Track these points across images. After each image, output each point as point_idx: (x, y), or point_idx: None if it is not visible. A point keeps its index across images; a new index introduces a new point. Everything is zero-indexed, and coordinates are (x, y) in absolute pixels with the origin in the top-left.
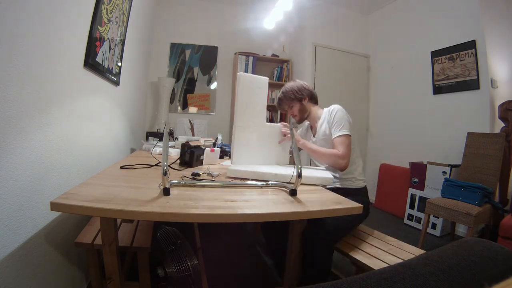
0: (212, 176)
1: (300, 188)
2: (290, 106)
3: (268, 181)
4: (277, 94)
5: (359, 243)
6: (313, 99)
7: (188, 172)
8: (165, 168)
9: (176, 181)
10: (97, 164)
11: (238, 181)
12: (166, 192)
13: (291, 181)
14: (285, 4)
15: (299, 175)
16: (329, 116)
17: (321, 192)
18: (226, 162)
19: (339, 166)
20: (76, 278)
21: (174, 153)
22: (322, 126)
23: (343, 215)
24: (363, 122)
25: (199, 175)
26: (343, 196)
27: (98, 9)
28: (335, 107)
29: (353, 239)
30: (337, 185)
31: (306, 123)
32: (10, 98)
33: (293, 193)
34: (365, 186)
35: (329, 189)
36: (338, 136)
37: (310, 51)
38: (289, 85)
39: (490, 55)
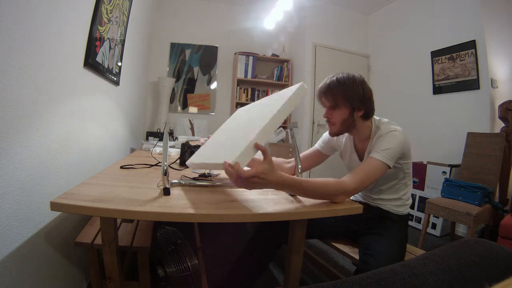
0: (212, 176)
1: None
2: (334, 106)
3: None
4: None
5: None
6: (369, 115)
7: (188, 172)
8: (165, 168)
9: (176, 180)
10: (97, 164)
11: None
12: (166, 192)
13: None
14: (285, 4)
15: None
16: (379, 142)
17: None
18: None
19: (336, 198)
20: (76, 278)
21: (174, 153)
22: (370, 147)
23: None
24: None
25: (202, 175)
26: (381, 220)
27: (98, 9)
28: (390, 133)
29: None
30: (379, 204)
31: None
32: (10, 98)
33: None
34: (408, 213)
35: (366, 208)
36: (373, 158)
37: (310, 51)
38: (352, 79)
39: (490, 55)
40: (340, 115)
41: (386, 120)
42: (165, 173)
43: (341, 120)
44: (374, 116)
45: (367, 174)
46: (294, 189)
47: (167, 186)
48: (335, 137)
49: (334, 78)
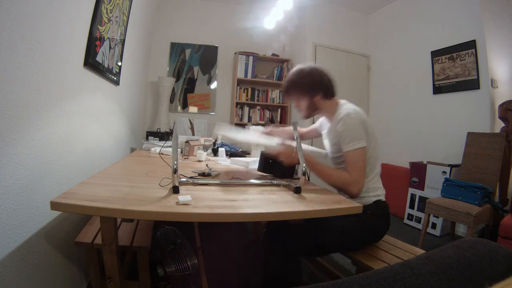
0: (211, 176)
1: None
2: (297, 99)
3: (273, 180)
4: (277, 92)
5: None
6: (329, 94)
7: (187, 172)
8: (175, 166)
9: (184, 179)
10: (97, 163)
11: (241, 180)
12: (175, 190)
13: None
14: (285, 3)
15: (304, 173)
16: (338, 126)
17: (321, 191)
18: (225, 161)
19: (349, 194)
20: (76, 278)
21: None
22: (332, 129)
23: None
24: None
25: (202, 174)
26: (352, 217)
27: (98, 9)
28: (344, 115)
29: None
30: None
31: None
32: (10, 97)
33: (297, 191)
34: (378, 201)
35: None
36: (348, 151)
37: (310, 51)
38: (300, 73)
39: (490, 55)
40: (303, 104)
41: (344, 101)
42: (175, 171)
43: (305, 107)
44: (342, 100)
45: (356, 164)
46: (310, 165)
47: (176, 185)
48: (324, 120)
49: (285, 80)
